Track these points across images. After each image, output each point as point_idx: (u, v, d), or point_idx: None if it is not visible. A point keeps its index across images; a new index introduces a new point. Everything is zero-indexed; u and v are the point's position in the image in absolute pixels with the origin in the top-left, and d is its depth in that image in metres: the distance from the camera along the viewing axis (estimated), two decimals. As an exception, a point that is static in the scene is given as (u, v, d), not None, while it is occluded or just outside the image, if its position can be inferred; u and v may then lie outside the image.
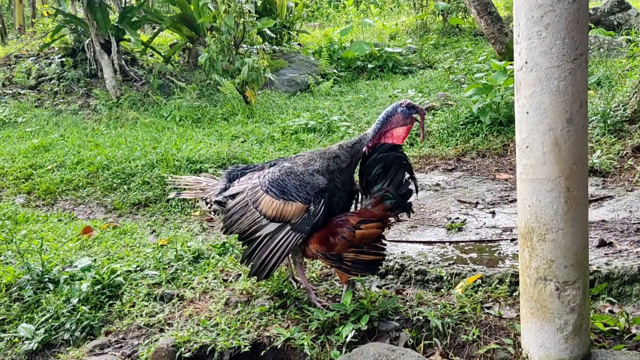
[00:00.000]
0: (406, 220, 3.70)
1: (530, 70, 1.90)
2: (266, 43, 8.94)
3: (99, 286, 2.90)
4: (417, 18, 11.81)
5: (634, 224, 3.37)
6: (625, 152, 4.54)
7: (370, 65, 9.37)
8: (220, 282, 2.93)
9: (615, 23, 9.21)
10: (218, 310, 2.63)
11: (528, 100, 1.92)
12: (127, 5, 9.68)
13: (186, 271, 3.09)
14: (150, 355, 2.34)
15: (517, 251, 2.74)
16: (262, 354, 2.34)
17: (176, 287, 2.92)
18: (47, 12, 12.72)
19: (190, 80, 8.82)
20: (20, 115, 7.93)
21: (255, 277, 2.54)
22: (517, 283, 2.40)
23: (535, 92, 1.90)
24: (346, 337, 2.31)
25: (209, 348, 2.35)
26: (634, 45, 7.08)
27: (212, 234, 3.88)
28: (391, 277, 2.96)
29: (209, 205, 2.77)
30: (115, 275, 2.96)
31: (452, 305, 2.53)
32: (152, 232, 3.97)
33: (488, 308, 2.55)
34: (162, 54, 9.83)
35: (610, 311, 2.51)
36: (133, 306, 2.77)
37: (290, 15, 10.60)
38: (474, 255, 3.15)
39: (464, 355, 2.27)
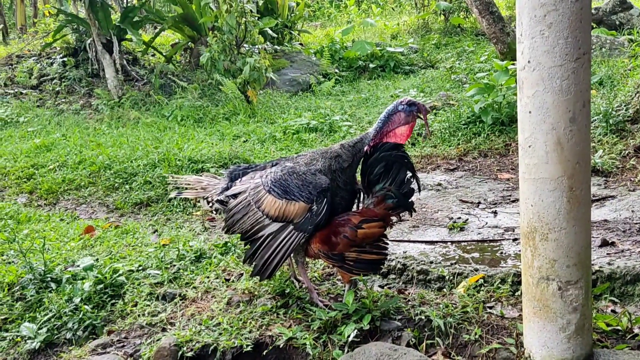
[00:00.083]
0: (408, 220, 3.70)
1: (533, 70, 1.90)
2: (268, 43, 8.94)
3: (101, 285, 2.90)
4: (419, 18, 11.81)
5: (636, 223, 3.37)
6: (627, 151, 4.53)
7: (371, 65, 9.37)
8: (223, 282, 2.94)
9: (617, 23, 9.20)
10: (220, 310, 2.63)
11: (531, 99, 1.92)
12: (129, 5, 9.69)
13: (188, 271, 3.09)
14: (153, 355, 2.34)
15: (519, 251, 2.73)
16: (264, 353, 2.34)
17: (178, 287, 2.92)
18: (49, 12, 12.72)
19: (192, 80, 8.82)
20: (22, 115, 7.93)
21: (258, 277, 2.54)
22: (520, 283, 2.40)
23: (538, 92, 1.90)
24: (348, 336, 2.31)
25: (211, 347, 2.35)
26: (636, 45, 7.07)
27: (214, 234, 3.89)
28: (393, 276, 2.96)
29: (210, 205, 2.77)
30: (117, 274, 2.97)
31: (454, 305, 2.53)
32: (154, 232, 3.97)
33: (490, 308, 2.55)
34: (164, 54, 9.84)
35: (613, 311, 2.51)
36: (135, 305, 2.77)
37: (292, 15, 10.60)
38: (476, 254, 3.15)
39: (466, 355, 2.27)
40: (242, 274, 2.98)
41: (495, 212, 3.86)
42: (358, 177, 2.64)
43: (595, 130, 4.88)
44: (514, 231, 3.45)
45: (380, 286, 2.90)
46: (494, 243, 3.31)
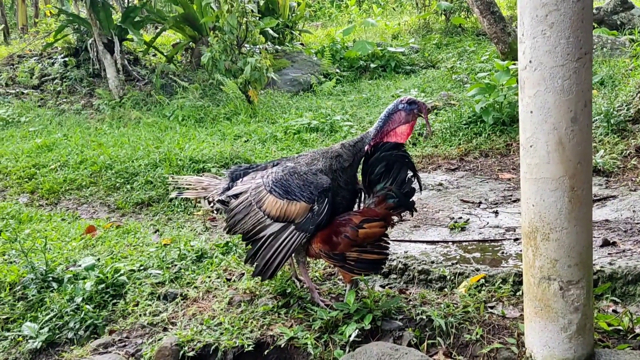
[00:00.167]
0: (409, 220, 3.70)
1: (534, 70, 1.90)
2: (269, 43, 8.94)
3: (103, 285, 2.90)
4: (420, 18, 11.81)
5: (638, 223, 3.36)
6: (628, 151, 4.53)
7: (372, 65, 9.37)
8: (224, 282, 2.94)
9: (619, 22, 9.19)
10: (221, 310, 2.63)
11: (532, 99, 1.92)
12: (130, 5, 9.70)
13: (189, 270, 3.09)
14: (154, 354, 2.34)
15: (521, 251, 2.73)
16: (265, 353, 2.35)
17: (179, 287, 2.92)
18: (50, 12, 12.73)
19: (193, 80, 8.82)
20: (23, 115, 7.94)
21: (260, 277, 2.54)
22: (521, 282, 2.40)
23: (540, 91, 1.90)
24: (349, 336, 2.31)
25: (213, 347, 2.35)
26: (637, 45, 7.07)
27: (215, 234, 3.89)
28: (394, 276, 2.96)
29: (211, 205, 2.77)
30: (118, 274, 2.97)
31: (455, 305, 2.53)
32: (156, 232, 3.98)
33: (491, 307, 2.55)
34: (165, 54, 9.84)
35: (614, 311, 2.51)
36: (137, 305, 2.78)
37: (293, 14, 10.61)
38: (477, 254, 3.15)
39: (467, 355, 2.27)
40: (243, 274, 2.98)
41: (496, 212, 3.86)
42: (359, 176, 2.64)
43: (596, 130, 4.88)
44: (515, 231, 3.45)
45: (381, 286, 2.90)
46: (495, 243, 3.31)
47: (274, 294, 2.75)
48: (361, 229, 2.42)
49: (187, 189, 2.88)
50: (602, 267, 2.68)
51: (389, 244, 2.55)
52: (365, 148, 2.55)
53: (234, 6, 7.19)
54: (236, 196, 2.62)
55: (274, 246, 2.46)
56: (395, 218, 2.57)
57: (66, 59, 9.56)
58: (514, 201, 4.05)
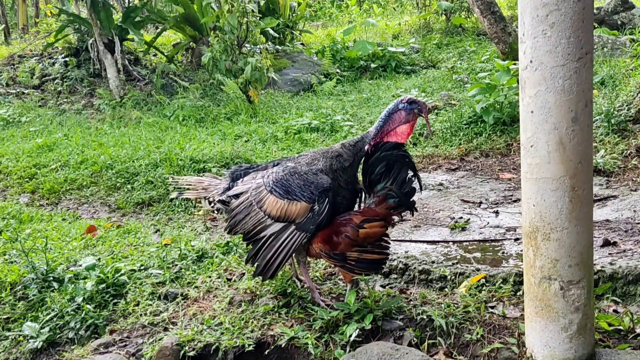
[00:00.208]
0: (410, 220, 3.70)
1: (535, 69, 1.90)
2: (269, 43, 8.94)
3: (103, 285, 2.91)
4: (420, 17, 11.81)
5: (638, 223, 3.36)
6: (629, 151, 4.53)
7: (373, 65, 9.37)
8: (224, 281, 2.94)
9: (619, 22, 9.19)
10: (222, 309, 2.63)
11: (533, 99, 1.92)
12: (131, 5, 9.70)
13: (190, 270, 3.09)
14: (155, 354, 2.35)
15: (521, 250, 2.73)
16: (266, 353, 2.35)
17: (180, 286, 2.92)
18: (51, 12, 12.74)
19: (194, 80, 8.83)
20: (24, 115, 7.95)
21: (260, 277, 2.54)
22: (521, 282, 2.40)
23: (540, 91, 1.90)
24: (350, 336, 2.31)
25: (213, 347, 2.35)
26: (637, 45, 7.06)
27: (216, 233, 3.89)
28: (395, 276, 2.96)
29: (212, 205, 2.77)
30: (119, 274, 2.97)
31: (455, 305, 2.53)
32: (156, 232, 3.98)
33: (492, 307, 2.55)
34: (166, 54, 9.85)
35: (615, 311, 2.51)
36: (137, 305, 2.78)
37: (293, 14, 10.61)
38: (478, 254, 3.15)
39: (467, 355, 2.27)
40: (243, 274, 2.99)
41: (496, 212, 3.86)
42: (359, 176, 2.64)
43: (597, 130, 4.88)
44: (515, 231, 3.45)
45: (382, 286, 2.91)
46: (496, 243, 3.31)
47: (274, 294, 2.75)
48: (362, 229, 2.43)
49: (188, 189, 2.88)
50: (602, 267, 2.68)
51: (389, 243, 2.55)
52: (366, 148, 2.55)
53: (235, 6, 7.19)
54: (237, 196, 2.62)
55: (274, 246, 2.46)
56: (396, 218, 2.57)
57: (67, 59, 9.56)
58: (515, 201, 4.04)
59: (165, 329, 2.56)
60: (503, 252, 3.15)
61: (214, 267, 3.11)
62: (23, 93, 8.99)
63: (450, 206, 4.07)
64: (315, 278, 2.95)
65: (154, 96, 8.30)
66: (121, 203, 4.70)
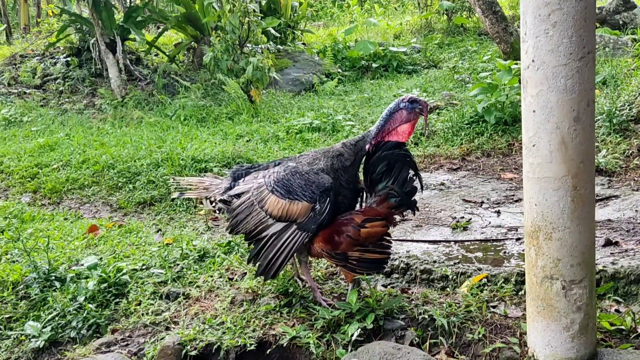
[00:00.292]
0: (411, 219, 3.70)
1: (537, 69, 1.90)
2: (271, 42, 8.95)
3: (105, 284, 2.91)
4: (422, 17, 11.80)
5: (640, 223, 3.36)
6: (631, 151, 4.52)
7: (374, 65, 9.37)
8: (226, 281, 2.94)
9: (621, 22, 9.18)
10: (224, 309, 2.63)
11: (535, 98, 1.92)
12: (132, 4, 9.71)
13: (192, 270, 3.09)
14: (157, 354, 2.35)
15: (523, 250, 2.73)
16: (267, 352, 2.35)
17: (182, 286, 2.92)
18: (52, 12, 12.75)
19: (195, 80, 8.83)
20: (25, 115, 7.95)
21: (262, 277, 2.54)
22: (523, 282, 2.40)
23: (542, 91, 1.89)
24: (352, 335, 2.31)
25: (215, 346, 2.36)
26: (639, 45, 7.05)
27: (217, 233, 3.89)
28: (396, 276, 2.96)
29: (213, 204, 2.77)
30: (121, 273, 2.97)
31: (457, 304, 2.53)
32: (158, 231, 3.98)
33: (494, 307, 2.55)
34: (167, 54, 9.85)
35: (617, 310, 2.50)
36: (139, 304, 2.78)
37: (295, 14, 10.61)
38: (480, 254, 3.15)
39: (469, 354, 2.27)
40: (245, 273, 2.99)
41: (498, 212, 3.86)
42: (361, 176, 2.64)
43: (598, 130, 4.87)
44: (517, 230, 3.45)
45: (383, 285, 2.91)
46: (498, 242, 3.30)
47: (276, 294, 2.75)
48: (363, 229, 2.43)
49: (189, 189, 2.89)
50: (604, 266, 2.67)
51: (391, 243, 2.55)
52: (367, 147, 2.55)
53: (236, 6, 7.19)
54: (238, 196, 2.63)
55: (276, 246, 2.46)
56: (397, 217, 2.57)
57: (68, 58, 9.57)
58: (516, 201, 4.04)
59: (167, 329, 2.56)
60: (505, 252, 3.15)
61: (215, 266, 3.11)
62: (25, 93, 9.00)
63: (451, 206, 4.06)
64: (317, 277, 2.95)
65: (155, 96, 8.31)
66: (123, 202, 4.71)
